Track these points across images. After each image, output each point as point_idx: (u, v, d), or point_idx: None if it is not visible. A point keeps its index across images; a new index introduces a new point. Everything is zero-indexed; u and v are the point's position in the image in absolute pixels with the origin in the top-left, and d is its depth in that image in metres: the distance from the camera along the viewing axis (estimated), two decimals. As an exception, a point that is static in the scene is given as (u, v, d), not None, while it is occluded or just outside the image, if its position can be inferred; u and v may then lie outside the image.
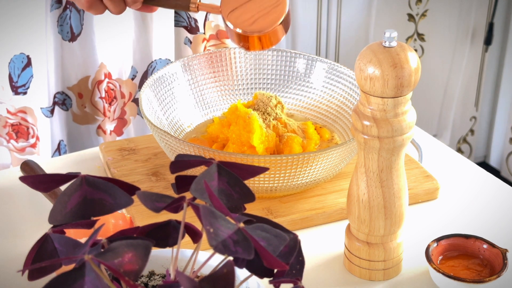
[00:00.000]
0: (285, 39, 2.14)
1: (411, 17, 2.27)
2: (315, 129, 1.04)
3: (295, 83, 1.12)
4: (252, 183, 0.91)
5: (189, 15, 1.26)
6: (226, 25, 0.94)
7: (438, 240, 0.85)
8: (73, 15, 1.18)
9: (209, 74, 1.11)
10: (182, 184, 0.64)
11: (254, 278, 0.64)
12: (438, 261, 0.84)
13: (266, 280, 0.61)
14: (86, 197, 0.61)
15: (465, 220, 0.95)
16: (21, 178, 0.61)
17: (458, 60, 2.41)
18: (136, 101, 1.31)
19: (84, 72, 1.24)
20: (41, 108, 1.21)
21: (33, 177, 0.61)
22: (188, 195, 0.61)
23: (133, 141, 1.09)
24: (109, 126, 1.29)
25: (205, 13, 1.27)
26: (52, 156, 1.24)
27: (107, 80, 1.24)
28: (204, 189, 0.60)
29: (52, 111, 1.24)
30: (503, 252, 0.82)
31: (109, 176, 1.03)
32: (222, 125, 1.02)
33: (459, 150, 2.60)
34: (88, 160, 1.08)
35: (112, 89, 1.26)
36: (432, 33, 2.33)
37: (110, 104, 1.27)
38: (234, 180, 0.63)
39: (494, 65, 2.50)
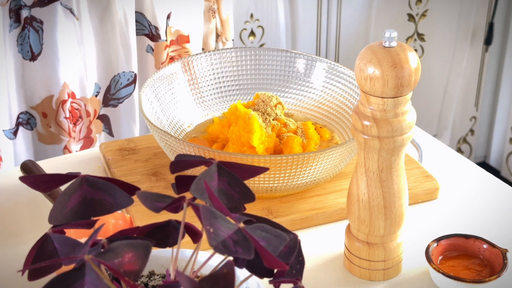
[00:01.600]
0: (285, 39, 2.14)
1: (411, 17, 2.27)
2: (315, 129, 1.04)
3: (295, 83, 1.12)
4: (252, 183, 0.91)
5: (150, 22, 1.24)
6: None
7: (438, 240, 0.85)
8: (31, 35, 1.16)
9: (209, 74, 1.11)
10: (182, 184, 0.64)
11: (254, 278, 0.64)
12: (438, 261, 0.84)
13: (266, 280, 0.61)
14: (86, 197, 0.61)
15: (465, 220, 0.95)
16: (21, 178, 0.61)
17: (458, 60, 2.41)
18: (101, 117, 1.29)
19: (47, 91, 1.22)
20: (3, 130, 1.19)
21: (33, 177, 0.61)
22: (188, 195, 0.61)
23: (133, 141, 1.09)
24: (75, 146, 1.27)
25: (165, 19, 1.26)
26: None
27: (70, 100, 1.23)
28: (204, 189, 0.60)
29: (15, 133, 1.23)
30: (503, 252, 0.82)
31: (109, 176, 1.03)
32: (222, 125, 1.02)
33: (459, 150, 2.60)
34: (88, 160, 1.08)
35: (77, 109, 1.24)
36: (432, 33, 2.33)
37: (75, 124, 1.25)
38: (234, 180, 0.63)
39: (494, 65, 2.50)
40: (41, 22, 1.15)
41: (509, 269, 0.85)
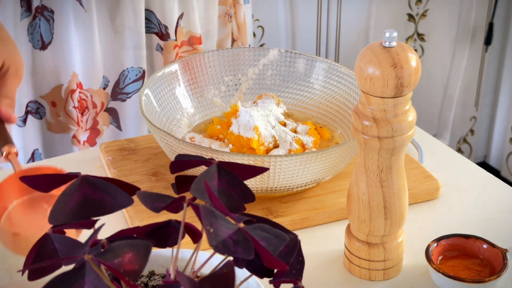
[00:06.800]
0: (285, 39, 2.14)
1: (411, 17, 2.27)
2: (315, 129, 1.04)
3: (295, 83, 1.12)
4: (252, 183, 0.91)
5: (160, 21, 1.25)
6: None
7: (438, 240, 0.85)
8: (42, 24, 1.17)
9: (209, 74, 1.11)
10: (182, 184, 0.64)
11: (254, 278, 0.64)
12: (438, 261, 0.84)
13: (266, 280, 0.61)
14: (86, 197, 0.61)
15: (465, 220, 0.95)
16: (21, 178, 0.61)
17: (458, 60, 2.41)
18: (108, 110, 1.29)
19: (56, 80, 1.23)
20: None
21: (33, 177, 0.61)
22: (188, 195, 0.61)
23: (133, 141, 1.09)
24: (82, 136, 1.28)
25: (176, 19, 1.26)
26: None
27: (79, 90, 1.24)
28: (204, 189, 0.60)
29: (24, 121, 1.23)
30: (503, 252, 0.82)
31: (109, 176, 1.03)
32: (222, 125, 1.02)
33: (459, 150, 2.60)
34: (88, 160, 1.08)
35: (84, 99, 1.25)
36: (432, 33, 2.33)
37: (82, 114, 1.26)
38: (234, 180, 0.63)
39: (494, 65, 2.50)
40: (52, 12, 1.17)
41: (509, 269, 0.85)
